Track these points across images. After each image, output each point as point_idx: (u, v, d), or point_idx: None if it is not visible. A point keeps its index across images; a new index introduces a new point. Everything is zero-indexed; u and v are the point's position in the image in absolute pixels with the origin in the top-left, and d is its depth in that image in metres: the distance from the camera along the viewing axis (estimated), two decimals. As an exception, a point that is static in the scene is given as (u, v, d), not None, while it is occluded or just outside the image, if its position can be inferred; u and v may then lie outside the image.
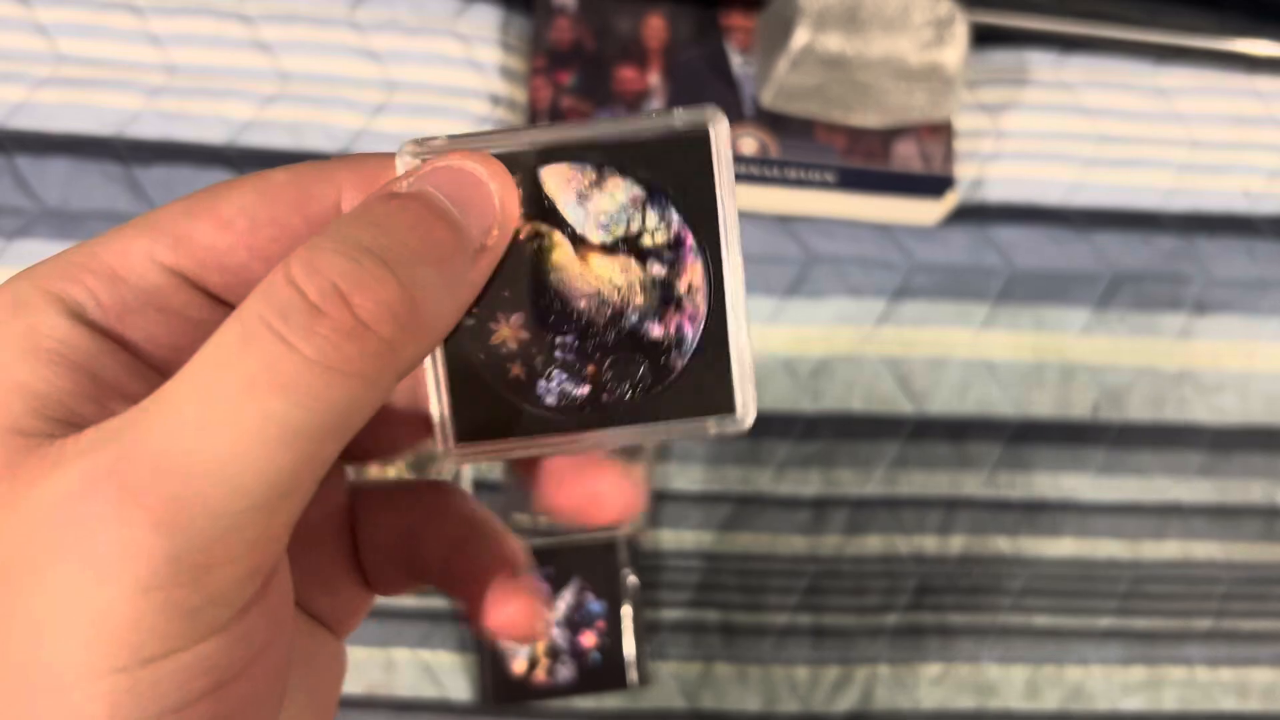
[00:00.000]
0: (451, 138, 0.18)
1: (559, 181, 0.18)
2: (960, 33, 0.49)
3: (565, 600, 0.47)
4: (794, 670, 0.48)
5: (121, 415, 0.15)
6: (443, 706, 0.47)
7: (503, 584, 0.20)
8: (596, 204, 0.18)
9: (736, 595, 0.49)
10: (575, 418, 0.18)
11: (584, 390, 0.18)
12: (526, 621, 0.20)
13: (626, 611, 0.47)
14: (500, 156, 0.18)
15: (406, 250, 0.16)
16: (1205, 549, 0.51)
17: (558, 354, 0.18)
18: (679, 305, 0.18)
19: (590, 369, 0.18)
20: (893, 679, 0.49)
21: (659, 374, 0.18)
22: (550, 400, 0.18)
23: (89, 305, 0.17)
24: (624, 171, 0.18)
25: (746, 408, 0.18)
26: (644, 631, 0.47)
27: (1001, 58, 0.57)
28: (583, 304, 0.18)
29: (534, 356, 0.18)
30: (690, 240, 0.18)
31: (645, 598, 0.48)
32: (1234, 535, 0.51)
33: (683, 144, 0.18)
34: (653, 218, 0.18)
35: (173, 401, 0.15)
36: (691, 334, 0.18)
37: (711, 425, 0.18)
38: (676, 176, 0.18)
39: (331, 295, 0.15)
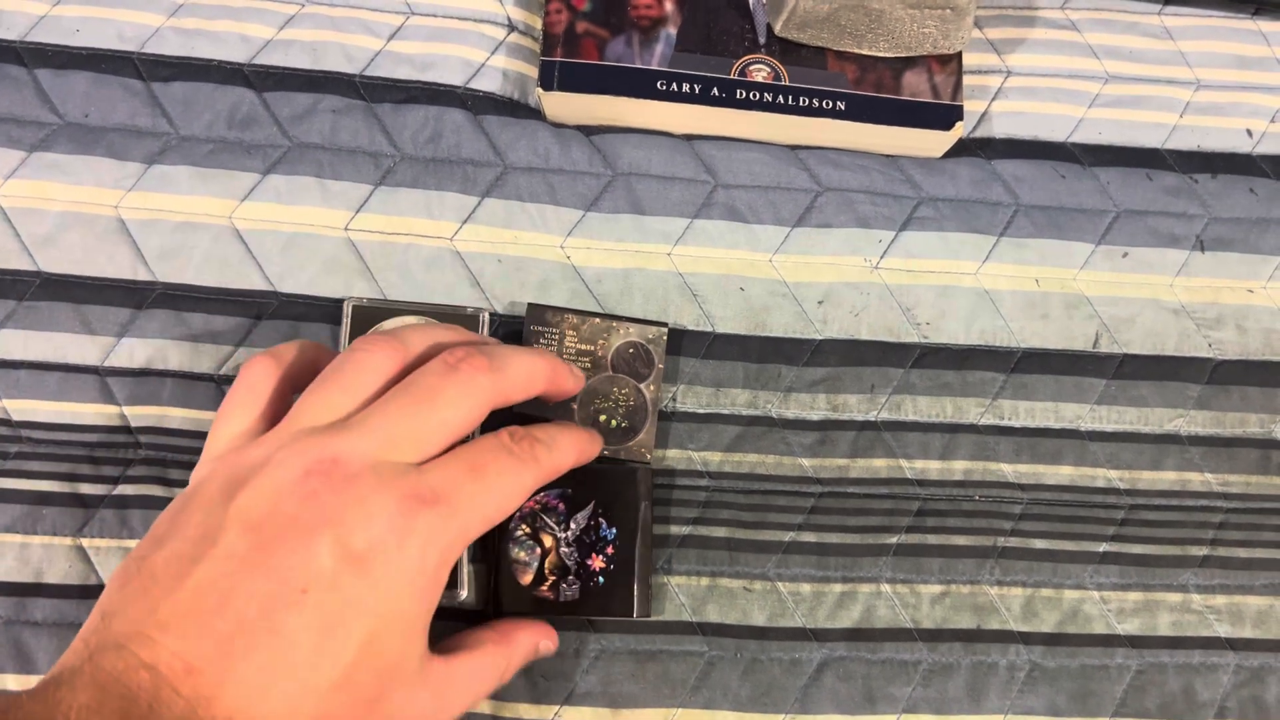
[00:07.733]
0: None
1: None
2: (971, -37, 0.49)
3: (578, 521, 0.47)
4: (798, 586, 0.49)
5: None
6: (448, 610, 0.48)
7: None
8: None
9: (743, 514, 0.50)
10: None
11: None
12: None
13: (638, 542, 0.47)
14: None
15: None
16: (1202, 479, 0.52)
17: None
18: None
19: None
20: (894, 597, 0.50)
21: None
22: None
23: None
24: None
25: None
26: (651, 566, 0.47)
27: (1010, -4, 0.58)
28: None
29: None
30: None
31: (653, 514, 0.49)
32: (1230, 467, 0.52)
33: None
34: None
35: None
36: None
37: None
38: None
39: None
